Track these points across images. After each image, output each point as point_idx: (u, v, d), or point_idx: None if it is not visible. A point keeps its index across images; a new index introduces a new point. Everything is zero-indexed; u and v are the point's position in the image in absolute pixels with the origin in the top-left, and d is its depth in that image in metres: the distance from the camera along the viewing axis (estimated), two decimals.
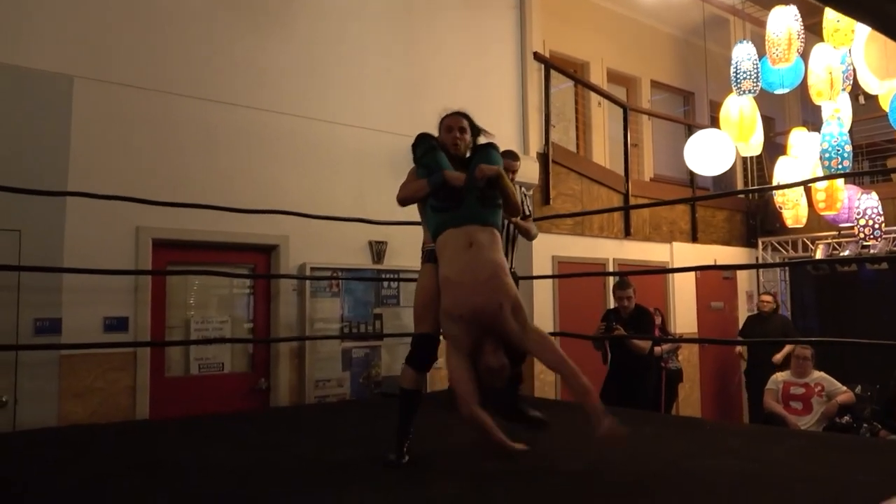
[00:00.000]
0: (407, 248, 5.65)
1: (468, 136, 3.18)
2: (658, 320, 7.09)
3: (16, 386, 4.01)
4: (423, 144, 3.16)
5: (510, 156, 3.84)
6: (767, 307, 7.56)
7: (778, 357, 7.02)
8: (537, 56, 6.87)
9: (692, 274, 8.11)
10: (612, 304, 7.28)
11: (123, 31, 4.57)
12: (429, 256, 3.11)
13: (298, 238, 5.13)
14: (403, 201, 3.20)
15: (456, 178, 2.94)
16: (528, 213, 3.97)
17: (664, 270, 7.76)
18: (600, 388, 5.34)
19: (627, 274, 6.94)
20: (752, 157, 9.16)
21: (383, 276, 5.56)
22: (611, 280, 7.31)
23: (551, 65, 7.08)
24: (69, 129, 4.32)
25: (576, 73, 8.49)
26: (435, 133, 3.24)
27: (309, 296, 5.15)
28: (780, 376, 5.94)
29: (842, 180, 6.85)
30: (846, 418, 5.53)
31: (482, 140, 3.25)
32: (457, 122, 3.16)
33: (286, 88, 5.23)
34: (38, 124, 4.22)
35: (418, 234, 5.39)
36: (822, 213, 7.07)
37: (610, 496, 2.48)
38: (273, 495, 2.52)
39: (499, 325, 2.71)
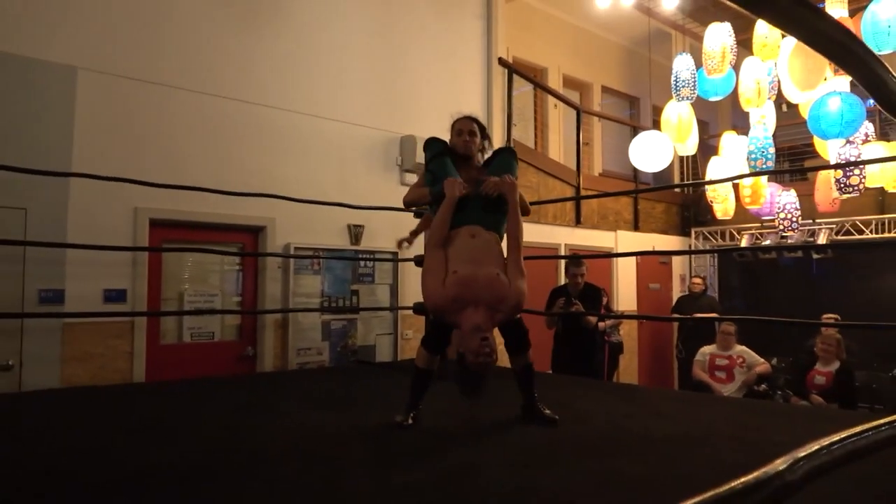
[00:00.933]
0: (382, 231, 5.66)
1: (478, 139, 3.07)
2: (604, 299, 7.19)
3: (21, 351, 3.93)
4: (431, 149, 3.06)
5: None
6: (698, 288, 7.73)
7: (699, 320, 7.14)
8: (501, 61, 6.87)
9: (633, 258, 8.23)
10: (563, 282, 7.39)
11: (124, 26, 4.46)
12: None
13: (284, 220, 5.10)
14: (408, 204, 3.15)
15: (454, 189, 2.81)
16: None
17: (610, 255, 7.86)
18: (550, 357, 5.40)
19: (577, 258, 7.02)
20: (687, 157, 9.30)
21: (360, 256, 5.55)
22: (562, 263, 7.39)
23: (514, 70, 7.07)
24: (73, 117, 4.21)
25: (535, 78, 8.49)
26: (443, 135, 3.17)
27: (293, 273, 5.13)
28: (706, 349, 6.07)
29: (765, 178, 6.99)
30: (763, 386, 5.69)
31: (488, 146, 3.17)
32: (467, 125, 3.06)
33: (275, 83, 5.16)
34: (44, 111, 4.10)
35: (393, 218, 5.44)
36: (748, 207, 7.19)
37: (558, 452, 2.52)
38: (261, 450, 2.51)
39: (493, 290, 2.57)
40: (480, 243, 2.72)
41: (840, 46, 0.98)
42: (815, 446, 0.92)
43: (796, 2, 0.84)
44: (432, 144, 3.10)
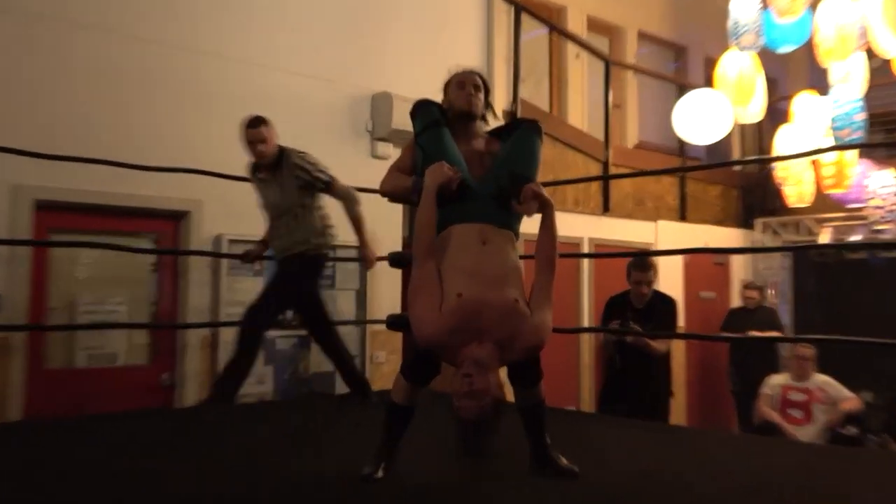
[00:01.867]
0: (344, 219, 5.53)
1: (482, 95, 3.04)
2: None
3: None
4: (422, 117, 2.97)
5: None
6: (752, 303, 7.70)
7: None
8: None
9: (679, 258, 8.20)
10: (587, 291, 7.35)
11: None
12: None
13: (214, 204, 5.08)
14: (387, 196, 3.09)
15: (437, 176, 2.70)
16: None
17: (648, 253, 7.82)
18: (600, 394, 5.26)
19: (604, 256, 6.97)
20: (751, 124, 9.27)
21: None
22: (585, 264, 7.34)
23: (523, 7, 7.06)
24: None
25: (551, 20, 8.47)
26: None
27: (226, 274, 5.12)
28: (776, 379, 6.04)
29: (853, 153, 6.98)
30: (852, 429, 5.65)
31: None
32: (470, 78, 3.03)
33: (205, 23, 5.16)
34: None
35: (362, 202, 5.36)
36: (829, 192, 7.19)
37: None
38: None
39: (507, 324, 2.52)
40: (493, 251, 2.67)
41: None
42: None
43: None
44: (423, 110, 3.01)
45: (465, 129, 2.96)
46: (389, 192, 3.06)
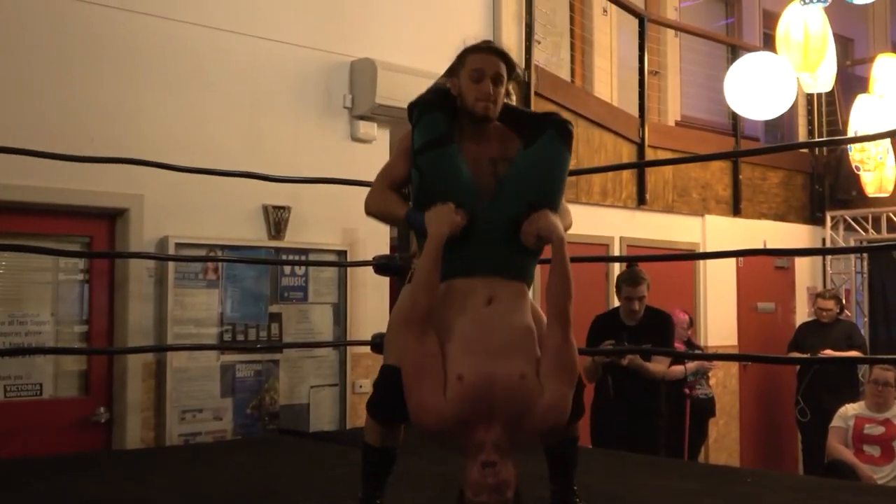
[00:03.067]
0: (320, 216, 5.70)
1: (503, 90, 2.90)
2: (685, 328, 7.22)
3: None
4: (425, 129, 2.86)
5: None
6: (827, 315, 7.74)
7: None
8: None
9: (732, 261, 8.26)
10: (614, 302, 7.40)
11: None
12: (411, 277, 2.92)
13: (158, 199, 5.09)
14: (374, 216, 3.07)
15: (442, 225, 2.65)
16: None
17: (694, 255, 7.88)
18: (591, 425, 5.42)
19: (640, 259, 7.03)
20: (821, 94, 9.34)
21: (284, 257, 5.57)
22: (617, 268, 7.40)
23: None
24: None
25: None
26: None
27: (172, 285, 5.13)
28: (850, 410, 6.10)
29: None
30: None
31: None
32: (492, 65, 2.86)
33: None
34: None
35: (336, 195, 5.43)
36: None
37: None
38: None
39: (515, 404, 2.51)
40: (499, 313, 2.66)
41: None
42: None
43: None
44: (426, 120, 2.89)
45: (477, 128, 2.89)
46: (375, 212, 3.03)
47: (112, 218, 5.10)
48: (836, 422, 6.09)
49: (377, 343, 5.05)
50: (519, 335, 2.64)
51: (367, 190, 3.21)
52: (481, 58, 2.85)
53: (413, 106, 2.94)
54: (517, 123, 2.97)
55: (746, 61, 7.18)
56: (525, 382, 2.53)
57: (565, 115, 6.93)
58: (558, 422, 2.57)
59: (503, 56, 2.88)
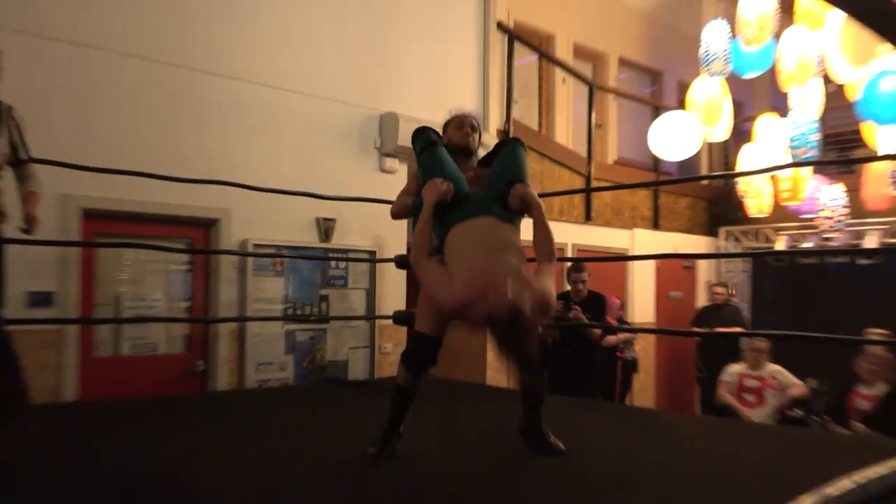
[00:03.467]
0: (357, 226, 5.71)
1: (477, 136, 3.21)
2: (617, 309, 7.28)
3: None
4: (421, 140, 3.09)
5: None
6: (720, 298, 7.84)
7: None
8: (501, 26, 6.91)
9: (652, 262, 8.31)
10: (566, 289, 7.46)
11: None
12: (435, 250, 2.95)
13: (240, 212, 5.11)
14: (394, 216, 3.25)
15: (433, 192, 2.81)
16: None
17: (625, 258, 7.94)
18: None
19: (586, 260, 7.09)
20: (718, 143, 9.38)
21: (331, 255, 5.58)
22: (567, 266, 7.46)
23: (516, 35, 7.12)
24: None
25: (541, 47, 8.56)
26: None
27: (251, 274, 5.15)
28: (734, 368, 6.16)
29: (807, 170, 7.08)
30: (799, 411, 5.78)
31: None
32: (467, 120, 3.20)
33: (233, 50, 5.18)
34: None
35: (370, 211, 5.47)
36: (786, 204, 7.30)
37: (558, 491, 2.57)
38: (210, 483, 2.55)
39: (516, 282, 2.48)
40: (494, 229, 2.77)
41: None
42: (848, 482, 0.94)
43: None
44: (421, 134, 3.11)
45: (462, 161, 3.08)
46: (396, 212, 3.23)
47: (207, 225, 5.13)
48: (723, 377, 6.15)
49: (397, 317, 5.10)
50: (513, 245, 2.75)
51: (389, 206, 3.31)
52: (461, 116, 3.23)
53: (414, 132, 3.15)
54: (488, 161, 3.17)
55: (665, 117, 7.21)
56: (520, 267, 2.62)
57: (533, 156, 7.08)
58: (546, 301, 2.57)
59: (473, 118, 3.24)
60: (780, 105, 8.29)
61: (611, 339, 7.06)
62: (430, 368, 2.91)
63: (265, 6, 5.37)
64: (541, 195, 6.41)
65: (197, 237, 5.13)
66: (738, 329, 7.45)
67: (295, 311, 5.38)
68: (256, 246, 5.18)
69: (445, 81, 6.38)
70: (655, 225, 8.56)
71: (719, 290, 7.94)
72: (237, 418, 3.89)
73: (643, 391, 8.00)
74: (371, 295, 5.82)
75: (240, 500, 2.39)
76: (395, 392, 2.95)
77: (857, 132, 7.38)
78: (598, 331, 5.69)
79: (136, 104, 4.76)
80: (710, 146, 9.69)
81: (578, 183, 7.58)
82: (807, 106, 6.71)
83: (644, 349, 7.96)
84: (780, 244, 8.40)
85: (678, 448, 3.29)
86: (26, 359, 4.20)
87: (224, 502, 2.36)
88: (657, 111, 8.45)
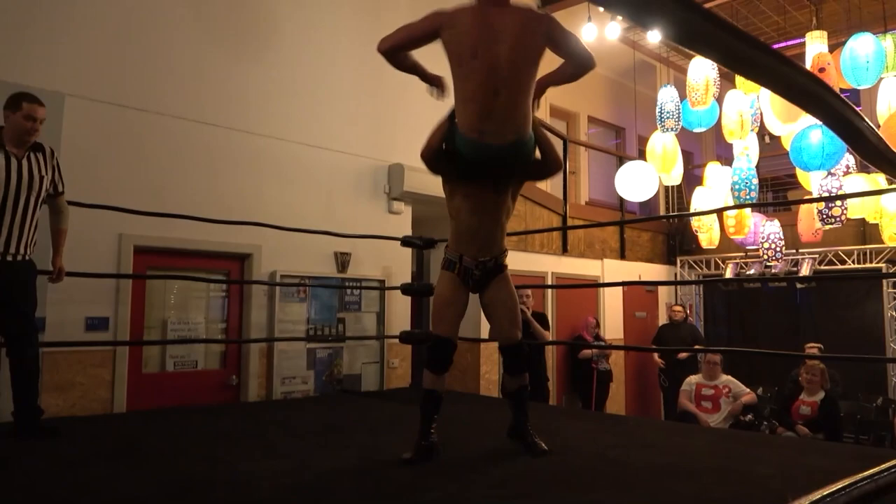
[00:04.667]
0: (369, 258, 5.67)
1: None
2: (593, 327, 7.24)
3: None
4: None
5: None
6: (678, 316, 7.79)
7: (683, 355, 7.32)
8: None
9: (620, 287, 8.27)
10: (551, 313, 7.43)
11: (112, 52, 4.47)
12: (447, 264, 2.92)
13: (270, 248, 5.08)
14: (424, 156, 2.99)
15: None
16: None
17: (596, 284, 7.90)
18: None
19: (563, 287, 7.06)
20: (673, 186, 9.42)
21: (347, 283, 5.53)
22: (549, 293, 7.43)
23: None
24: (59, 143, 4.19)
25: None
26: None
27: (278, 300, 5.11)
28: (692, 379, 6.09)
29: (749, 209, 7.10)
30: (749, 416, 5.70)
31: None
32: None
33: (262, 111, 5.18)
34: None
35: (380, 246, 5.45)
36: (732, 237, 7.30)
37: (539, 484, 2.51)
38: (244, 482, 2.49)
39: None
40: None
41: (814, 98, 1.01)
42: (833, 487, 0.91)
43: (773, 57, 0.88)
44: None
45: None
46: (427, 150, 3.05)
47: (242, 259, 5.09)
48: (683, 387, 6.08)
49: (403, 337, 5.04)
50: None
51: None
52: None
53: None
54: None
55: (628, 165, 7.24)
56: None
57: (518, 199, 7.02)
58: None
59: None
60: (724, 154, 8.33)
61: (585, 352, 7.00)
62: (449, 368, 2.84)
63: (290, 78, 5.38)
64: (524, 232, 6.47)
65: (233, 269, 5.09)
66: (695, 346, 7.39)
67: (316, 331, 5.32)
68: (283, 276, 5.14)
69: None
70: (622, 255, 8.53)
71: (678, 308, 7.91)
72: (267, 424, 3.83)
73: (615, 399, 7.90)
74: (381, 317, 5.77)
75: (274, 492, 2.33)
76: (423, 398, 2.84)
77: (792, 176, 7.40)
78: (546, 336, 5.95)
79: (181, 158, 4.76)
80: (667, 189, 9.72)
81: (556, 221, 7.56)
82: (746, 155, 6.75)
83: (615, 362, 7.88)
84: (728, 271, 8.36)
85: (644, 446, 3.22)
86: (83, 375, 4.17)
87: (261, 495, 2.29)
88: (621, 160, 8.47)
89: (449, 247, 2.97)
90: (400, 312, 5.84)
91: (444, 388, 2.86)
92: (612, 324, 8.22)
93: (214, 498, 2.29)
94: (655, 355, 7.99)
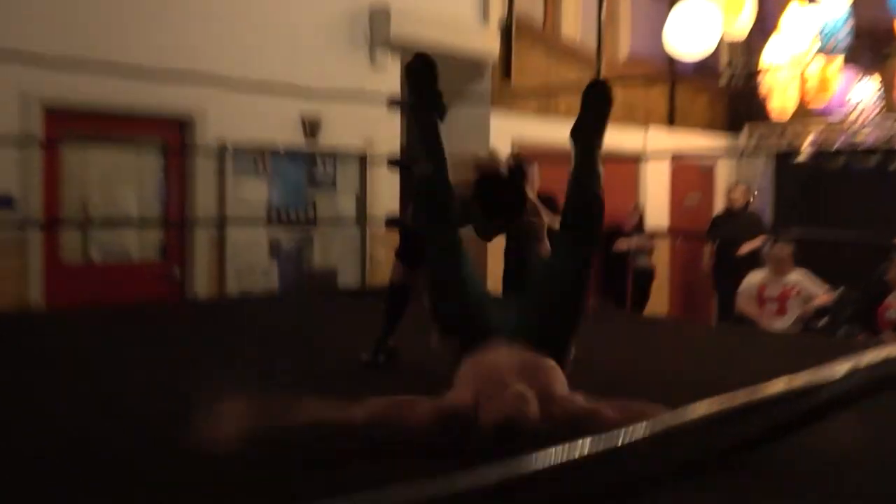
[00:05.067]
0: (346, 124, 5.58)
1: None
2: (635, 218, 7.23)
3: None
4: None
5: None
6: (738, 203, 7.69)
7: (745, 249, 7.20)
8: None
9: (667, 165, 8.17)
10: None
11: None
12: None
13: (219, 110, 4.99)
14: None
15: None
16: None
17: (637, 159, 7.80)
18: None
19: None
20: (740, 35, 9.09)
21: (317, 155, 5.50)
22: None
23: None
24: None
25: None
26: None
27: (231, 175, 5.08)
28: (755, 277, 6.06)
29: (837, 63, 6.85)
30: (822, 321, 5.70)
31: None
32: None
33: None
34: None
35: (358, 110, 5.31)
36: (813, 101, 7.10)
37: None
38: (185, 388, 2.46)
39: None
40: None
41: None
42: (880, 355, 0.87)
43: None
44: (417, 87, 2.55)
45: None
46: None
47: (182, 125, 5.00)
48: (744, 285, 6.06)
49: (389, 221, 5.04)
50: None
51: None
52: None
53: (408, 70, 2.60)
54: None
55: (683, 7, 6.94)
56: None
57: (538, 51, 6.81)
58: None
59: None
60: None
61: (621, 244, 7.00)
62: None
63: None
64: (548, 91, 6.27)
65: (171, 138, 5.02)
66: (762, 237, 7.31)
67: (280, 216, 5.32)
68: (236, 147, 5.08)
69: None
70: (671, 123, 8.37)
71: (736, 193, 7.79)
72: (217, 326, 3.87)
73: (655, 302, 7.96)
74: (362, 199, 5.75)
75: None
76: (388, 292, 2.92)
77: (891, 29, 7.13)
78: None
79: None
80: (730, 48, 9.42)
81: (587, 80, 7.35)
82: None
83: (658, 259, 7.88)
84: (807, 144, 8.20)
85: (687, 354, 3.21)
86: None
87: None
88: (673, 1, 8.11)
89: None
90: (385, 192, 5.82)
91: (415, 286, 2.87)
92: (656, 212, 8.18)
93: (147, 413, 2.26)
94: (705, 258, 7.97)
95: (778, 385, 0.70)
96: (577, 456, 0.49)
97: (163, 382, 2.59)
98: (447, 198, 2.40)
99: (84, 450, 1.90)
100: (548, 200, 5.55)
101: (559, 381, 2.02)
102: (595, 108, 2.63)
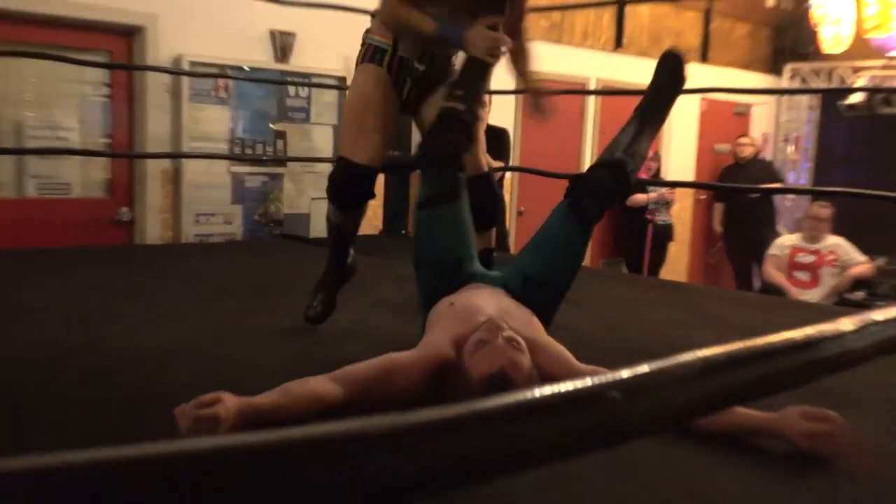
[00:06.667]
0: (323, 42, 5.59)
1: None
2: (654, 165, 7.27)
3: None
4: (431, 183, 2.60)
5: None
6: (746, 151, 7.78)
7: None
8: None
9: (696, 106, 8.20)
10: (590, 138, 7.44)
11: None
12: (370, 54, 2.74)
13: (172, 19, 5.01)
14: (391, 24, 2.70)
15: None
16: None
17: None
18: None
19: (613, 93, 6.98)
20: None
21: (289, 79, 5.50)
22: (592, 109, 7.37)
23: None
24: None
25: None
26: None
27: (187, 100, 5.09)
28: (786, 240, 6.16)
29: None
30: (860, 294, 5.82)
31: None
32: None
33: None
34: None
35: (338, 24, 5.31)
36: (869, 35, 7.14)
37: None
38: (127, 352, 2.58)
39: None
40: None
41: None
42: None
43: None
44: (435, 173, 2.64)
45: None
46: (398, 24, 2.68)
47: (129, 34, 5.01)
48: (773, 250, 6.15)
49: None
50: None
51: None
52: None
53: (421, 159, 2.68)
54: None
55: None
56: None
57: None
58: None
59: None
60: None
61: (640, 197, 7.07)
62: (364, 204, 2.79)
63: None
64: (559, 7, 6.26)
65: (117, 50, 5.03)
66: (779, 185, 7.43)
67: (244, 149, 5.34)
68: (194, 64, 5.08)
69: None
70: (704, 57, 8.36)
71: (745, 141, 7.91)
72: (169, 276, 3.93)
73: (673, 264, 8.08)
74: (339, 132, 5.72)
75: (178, 362, 2.42)
76: (328, 231, 2.92)
77: None
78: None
79: None
80: None
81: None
82: None
83: (677, 215, 7.98)
84: (860, 86, 8.25)
85: (709, 323, 3.34)
86: None
87: (161, 365, 2.39)
88: None
89: (373, 30, 2.83)
90: None
91: (356, 228, 2.90)
92: (680, 160, 8.24)
93: (74, 374, 2.34)
94: (715, 219, 8.08)
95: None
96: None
97: (94, 338, 2.66)
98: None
99: None
100: (494, 134, 5.50)
101: (542, 331, 2.21)
102: (662, 89, 2.70)
